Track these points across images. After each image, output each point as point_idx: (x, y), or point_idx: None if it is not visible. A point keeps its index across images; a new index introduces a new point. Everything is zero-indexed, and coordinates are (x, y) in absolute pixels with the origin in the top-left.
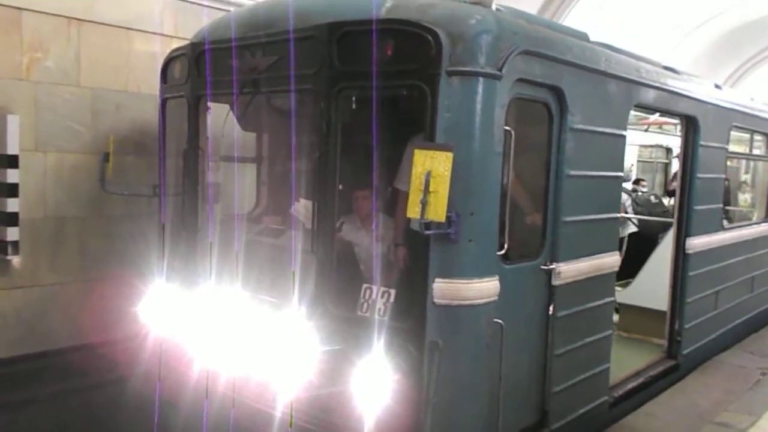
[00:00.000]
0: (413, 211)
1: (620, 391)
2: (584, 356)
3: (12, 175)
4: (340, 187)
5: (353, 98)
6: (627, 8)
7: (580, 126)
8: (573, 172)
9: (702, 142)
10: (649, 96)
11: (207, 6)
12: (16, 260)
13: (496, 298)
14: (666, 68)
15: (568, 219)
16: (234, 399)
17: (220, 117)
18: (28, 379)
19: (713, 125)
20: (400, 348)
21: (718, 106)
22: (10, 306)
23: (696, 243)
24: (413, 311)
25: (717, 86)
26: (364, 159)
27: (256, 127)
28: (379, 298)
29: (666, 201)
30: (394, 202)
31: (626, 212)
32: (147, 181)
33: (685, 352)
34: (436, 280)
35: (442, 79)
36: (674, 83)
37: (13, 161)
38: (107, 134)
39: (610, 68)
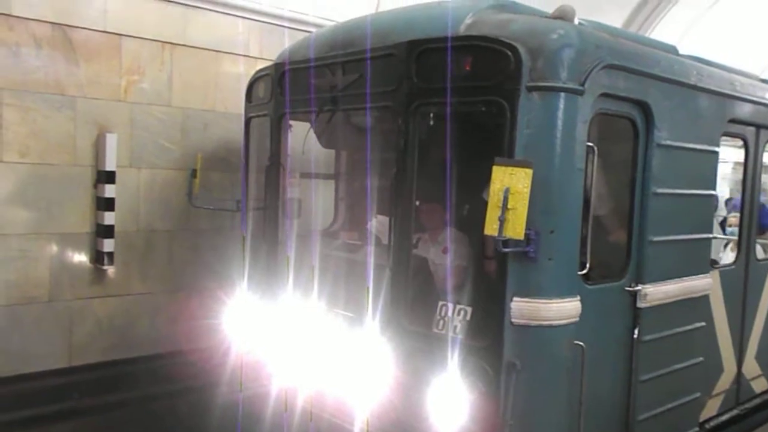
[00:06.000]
0: (491, 228)
1: (713, 423)
2: (672, 384)
3: (109, 190)
4: (417, 203)
5: (431, 114)
6: (720, 22)
7: (668, 142)
8: (660, 190)
9: None
10: (744, 110)
11: (290, 28)
12: (111, 270)
13: (577, 319)
14: (765, 81)
15: (656, 239)
16: (312, 412)
17: (301, 134)
18: (119, 382)
19: None
20: (477, 367)
21: None
22: (105, 313)
23: None
24: (490, 330)
25: None
26: (442, 175)
27: (335, 144)
28: (455, 316)
29: None
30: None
31: None
32: (231, 196)
33: None
34: (514, 299)
35: (521, 95)
36: None
37: (110, 177)
38: (195, 151)
39: (701, 82)
